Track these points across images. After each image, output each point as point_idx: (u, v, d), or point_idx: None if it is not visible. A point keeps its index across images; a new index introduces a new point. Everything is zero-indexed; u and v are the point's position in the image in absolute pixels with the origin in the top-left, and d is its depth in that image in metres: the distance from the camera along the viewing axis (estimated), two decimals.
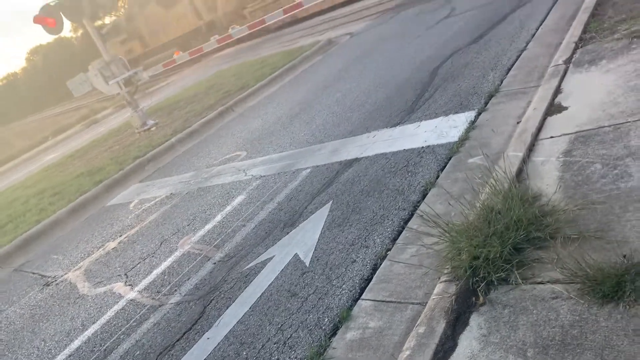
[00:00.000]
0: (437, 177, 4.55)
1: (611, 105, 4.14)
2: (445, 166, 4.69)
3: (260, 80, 13.02)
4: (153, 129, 12.96)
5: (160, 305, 4.51)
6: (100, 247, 6.68)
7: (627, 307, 2.35)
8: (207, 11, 32.79)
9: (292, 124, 8.38)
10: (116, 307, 4.83)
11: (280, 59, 15.23)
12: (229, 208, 6.01)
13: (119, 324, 4.51)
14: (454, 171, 4.53)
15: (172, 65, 28.02)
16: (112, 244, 6.60)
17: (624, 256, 2.60)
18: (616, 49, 5.13)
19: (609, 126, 3.87)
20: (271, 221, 5.16)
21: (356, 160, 5.73)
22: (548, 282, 2.70)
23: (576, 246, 2.83)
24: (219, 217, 5.88)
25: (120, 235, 6.78)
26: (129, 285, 5.18)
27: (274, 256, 4.44)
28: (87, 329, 4.69)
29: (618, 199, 3.07)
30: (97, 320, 4.75)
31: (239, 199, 6.14)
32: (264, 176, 6.50)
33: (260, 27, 23.57)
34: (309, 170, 6.05)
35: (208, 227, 5.74)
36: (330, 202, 4.99)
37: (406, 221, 4.08)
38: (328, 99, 8.93)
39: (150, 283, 5.02)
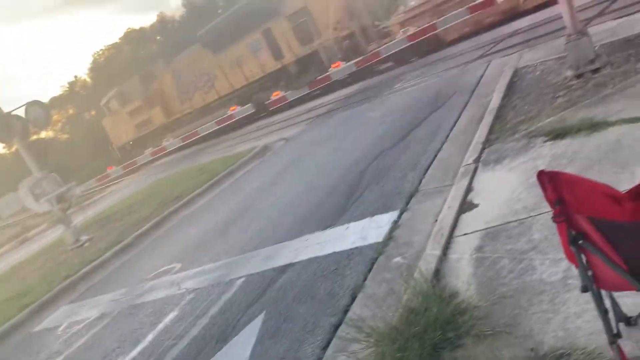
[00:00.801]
0: (365, 278, 4.66)
1: (515, 202, 4.49)
2: (372, 268, 4.83)
3: (197, 188, 13.12)
4: (86, 244, 12.57)
5: None
6: None
7: None
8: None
9: (228, 232, 8.42)
10: None
11: (218, 165, 15.50)
12: (161, 326, 5.82)
13: None
14: (380, 272, 4.66)
15: (105, 180, 27.91)
16: None
17: (531, 349, 2.74)
18: (517, 148, 5.65)
19: (515, 221, 4.18)
20: (203, 337, 5.04)
21: (290, 265, 5.79)
22: None
23: (488, 343, 2.95)
24: (150, 337, 5.67)
25: None
26: None
27: None
28: None
29: (524, 292, 3.26)
30: None
31: (172, 315, 5.97)
32: (198, 289, 6.40)
33: (194, 137, 24.19)
34: (243, 279, 6.04)
35: (139, 348, 5.51)
36: (264, 312, 4.96)
37: (336, 327, 4.10)
38: (264, 204, 9.10)
39: None
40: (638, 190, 1.79)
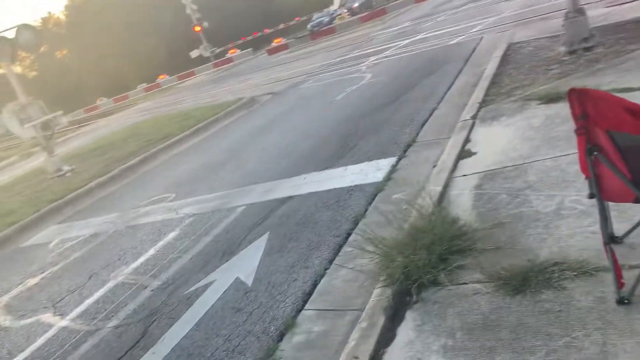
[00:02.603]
0: (366, 210, 5.05)
1: (511, 151, 4.91)
2: (372, 201, 5.21)
3: (184, 131, 13.23)
4: (69, 174, 12.60)
5: (97, 330, 4.50)
6: (19, 284, 6.41)
7: (533, 295, 2.88)
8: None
9: (222, 169, 8.67)
10: (47, 335, 4.71)
11: (203, 112, 15.57)
12: (162, 243, 6.10)
13: (52, 350, 4.42)
14: (381, 204, 5.05)
15: (95, 112, 27.40)
16: (33, 280, 6.37)
17: (528, 260, 3.17)
18: (513, 109, 6.06)
19: (511, 166, 4.60)
20: (208, 252, 5.36)
21: (290, 198, 6.12)
22: (470, 282, 3.20)
23: (490, 255, 3.37)
24: (152, 251, 5.95)
25: (42, 272, 6.56)
26: (59, 315, 5.08)
27: (215, 280, 4.64)
28: (14, 357, 4.53)
29: (521, 219, 3.69)
30: (26, 348, 4.61)
31: (172, 234, 6.26)
32: (197, 214, 6.68)
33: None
34: (243, 207, 6.34)
35: (141, 260, 5.80)
36: (268, 233, 5.30)
37: (341, 245, 4.48)
38: (256, 148, 9.36)
39: (83, 312, 4.97)
40: None
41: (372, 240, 3.85)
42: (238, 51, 32.39)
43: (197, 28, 38.80)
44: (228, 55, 23.95)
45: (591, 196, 2.55)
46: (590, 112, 2.36)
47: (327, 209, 5.43)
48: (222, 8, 51.14)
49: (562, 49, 7.63)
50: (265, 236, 5.22)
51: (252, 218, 5.88)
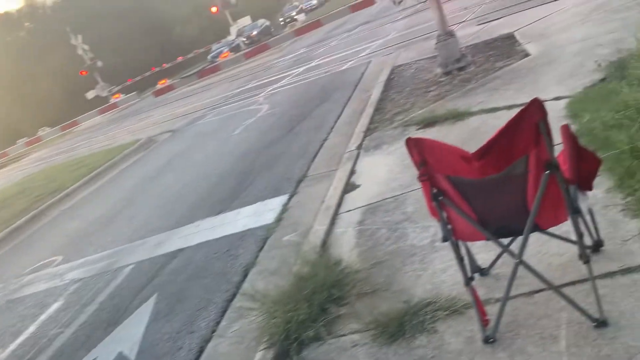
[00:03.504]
0: (257, 257, 4.89)
1: (392, 181, 4.97)
2: (263, 246, 5.06)
3: (77, 181, 12.47)
4: None
5: None
6: None
7: (408, 342, 2.84)
8: None
9: (113, 223, 8.19)
10: None
11: (98, 158, 14.82)
12: (44, 317, 5.59)
13: None
14: (272, 249, 4.91)
15: None
16: None
17: (404, 301, 3.14)
18: (394, 136, 6.19)
19: (391, 197, 4.64)
20: (92, 323, 4.95)
21: (180, 250, 5.84)
22: (349, 333, 3.12)
23: (369, 299, 3.32)
24: (32, 328, 5.43)
25: None
26: None
27: (96, 358, 4.26)
28: None
29: (399, 255, 3.69)
30: None
31: (56, 305, 5.75)
32: (83, 278, 6.21)
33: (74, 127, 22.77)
34: (132, 266, 5.97)
35: (20, 339, 5.27)
36: (156, 294, 4.99)
37: (229, 301, 4.28)
38: (151, 194, 8.96)
39: None
40: (482, 151, 2.20)
41: (255, 296, 3.69)
42: (122, 95, 31.28)
43: (84, 72, 37.33)
44: (112, 100, 23.04)
45: (444, 239, 2.56)
46: (429, 159, 2.37)
47: (217, 259, 5.22)
48: (117, 44, 49.59)
49: (439, 70, 7.96)
50: (153, 299, 4.91)
51: (141, 278, 5.53)
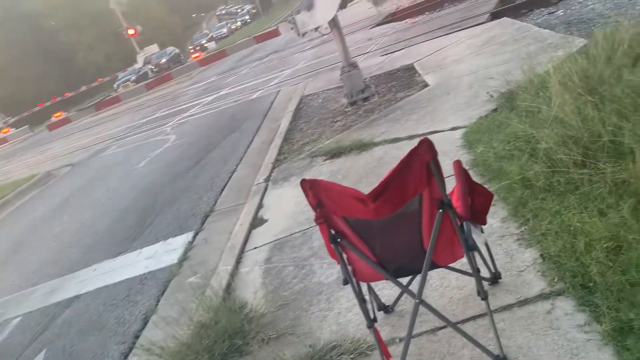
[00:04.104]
0: (158, 302, 4.57)
1: (300, 214, 4.87)
2: (165, 290, 4.75)
3: None
4: None
5: None
6: None
7: None
8: None
9: (2, 271, 7.43)
10: None
11: None
12: None
13: None
14: (174, 293, 4.62)
15: None
16: None
17: (310, 345, 3.01)
18: (302, 167, 6.13)
19: (299, 232, 4.53)
20: None
21: (75, 298, 5.37)
22: None
23: (274, 346, 3.16)
24: None
25: None
26: None
27: None
28: None
29: (306, 294, 3.56)
30: None
31: None
32: None
33: None
34: (19, 319, 5.40)
35: None
36: (44, 350, 4.51)
37: (126, 356, 3.94)
38: (45, 235, 8.26)
39: None
40: (376, 192, 2.15)
41: (153, 350, 3.41)
42: (12, 130, 29.18)
43: None
44: (1, 134, 21.34)
45: (345, 282, 2.47)
46: (325, 201, 2.28)
47: (115, 307, 4.83)
48: (16, 73, 46.53)
49: (345, 100, 8.07)
50: (41, 356, 4.43)
51: (29, 332, 5.00)
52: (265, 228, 4.97)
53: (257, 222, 5.18)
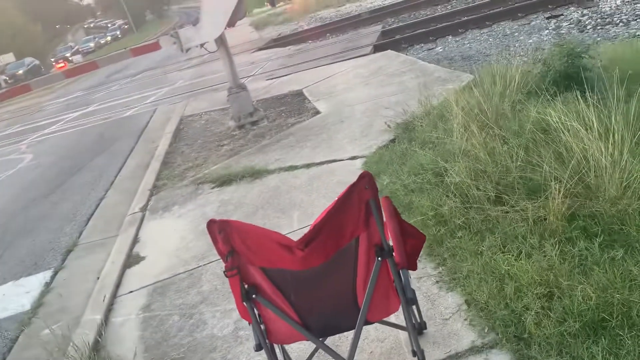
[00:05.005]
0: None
1: (185, 251, 4.27)
2: (13, 346, 3.85)
3: None
4: None
5: None
6: None
7: None
8: None
9: None
10: None
11: None
12: None
13: None
14: (25, 350, 3.76)
15: None
16: None
17: None
18: (186, 195, 5.50)
19: (184, 272, 3.93)
20: None
21: None
22: None
23: None
24: None
25: None
26: None
27: None
28: None
29: (195, 351, 2.99)
30: None
31: None
32: None
33: None
34: None
35: None
36: None
37: None
38: None
39: None
40: (307, 238, 1.74)
41: None
42: None
43: None
44: None
45: (258, 348, 1.99)
46: (239, 248, 1.81)
47: None
48: None
49: (232, 123, 7.58)
50: None
51: None
52: (143, 267, 4.28)
53: (132, 259, 4.46)
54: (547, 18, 9.23)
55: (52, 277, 4.78)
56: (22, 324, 4.09)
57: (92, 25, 77.34)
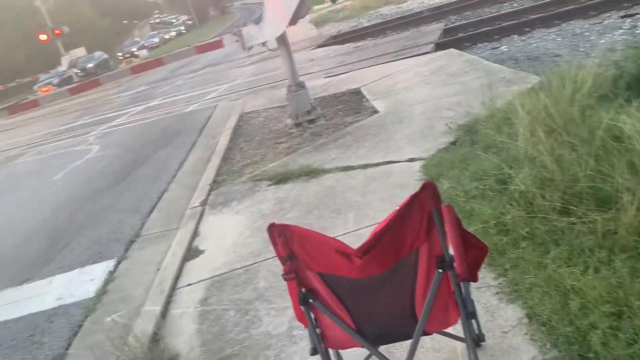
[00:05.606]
0: (69, 346, 3.87)
1: (242, 247, 4.34)
2: (79, 330, 4.05)
3: None
4: None
5: None
6: None
7: None
8: None
9: None
10: None
11: None
12: None
13: None
14: (90, 335, 3.94)
15: None
16: None
17: None
18: (243, 191, 5.60)
19: (241, 268, 4.00)
20: None
21: None
22: None
23: None
24: None
25: None
26: None
27: None
28: None
29: (251, 347, 3.04)
30: None
31: None
32: None
33: None
34: None
35: None
36: None
37: None
38: None
39: None
40: (366, 247, 1.72)
41: None
42: None
43: None
44: None
45: (313, 352, 1.99)
46: (298, 252, 1.81)
47: (15, 349, 4.05)
48: None
49: (289, 121, 7.64)
50: None
51: None
52: (202, 261, 4.39)
53: (191, 252, 4.58)
54: (622, 17, 8.76)
55: (115, 267, 4.98)
56: (87, 310, 4.29)
57: (157, 20, 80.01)
